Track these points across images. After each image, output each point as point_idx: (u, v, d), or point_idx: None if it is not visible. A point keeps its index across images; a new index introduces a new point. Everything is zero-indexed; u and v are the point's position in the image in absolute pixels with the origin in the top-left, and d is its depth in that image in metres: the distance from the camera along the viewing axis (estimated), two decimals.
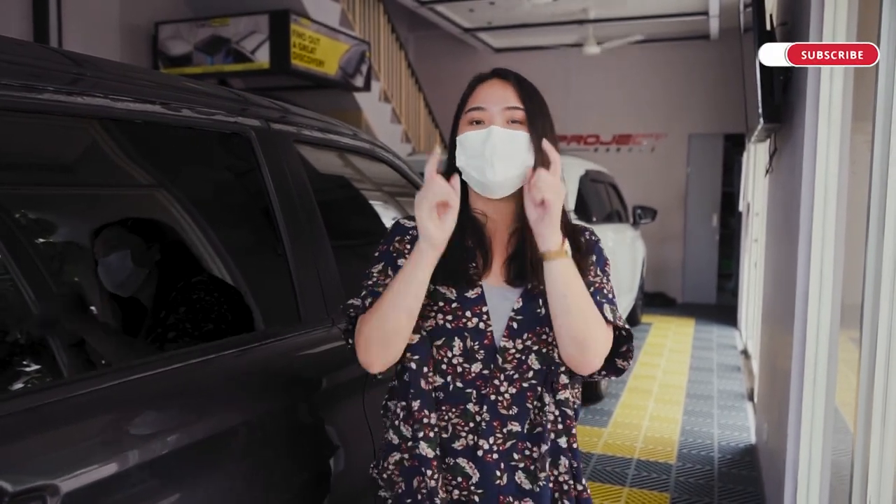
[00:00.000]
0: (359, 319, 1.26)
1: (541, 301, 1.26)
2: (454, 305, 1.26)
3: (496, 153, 1.22)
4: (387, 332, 1.21)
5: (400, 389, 1.31)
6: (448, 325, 1.26)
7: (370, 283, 1.30)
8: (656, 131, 9.47)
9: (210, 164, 1.84)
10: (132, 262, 1.64)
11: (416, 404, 1.25)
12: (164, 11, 6.51)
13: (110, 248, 1.61)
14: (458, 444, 1.25)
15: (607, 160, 8.94)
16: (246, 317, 1.69)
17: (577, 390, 1.32)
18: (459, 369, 1.25)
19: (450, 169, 1.30)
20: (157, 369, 1.26)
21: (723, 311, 8.51)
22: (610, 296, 1.32)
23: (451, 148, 1.31)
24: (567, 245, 1.23)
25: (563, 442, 1.27)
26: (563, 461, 1.27)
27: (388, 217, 2.45)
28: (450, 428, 1.25)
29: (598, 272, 1.32)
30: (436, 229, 1.18)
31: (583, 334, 1.22)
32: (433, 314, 1.26)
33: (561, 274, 1.21)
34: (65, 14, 5.46)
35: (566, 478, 1.28)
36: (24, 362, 1.25)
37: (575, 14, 8.09)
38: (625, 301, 6.29)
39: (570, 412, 1.28)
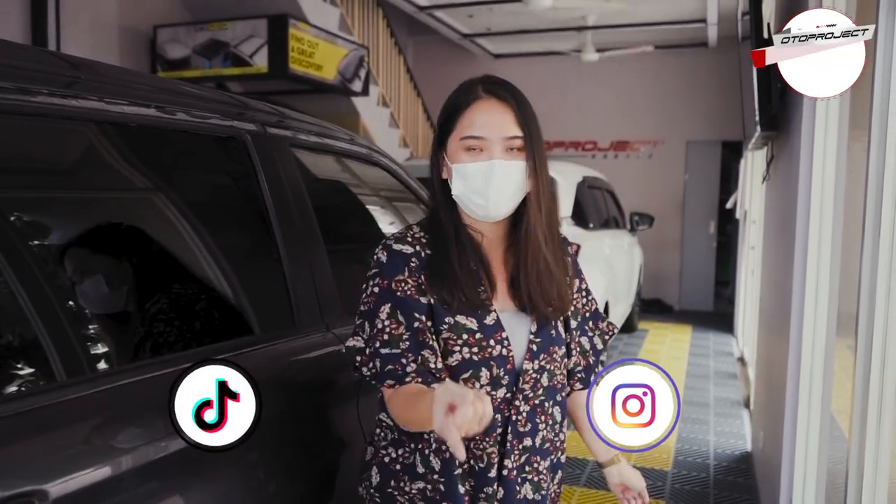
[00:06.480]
0: (388, 393, 1.25)
1: (553, 323, 1.31)
2: (478, 336, 1.24)
3: (501, 188, 1.22)
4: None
5: None
6: (475, 358, 1.23)
7: (378, 330, 1.23)
8: (654, 138, 9.49)
9: (205, 168, 1.83)
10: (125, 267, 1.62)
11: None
12: (163, 15, 6.52)
13: (102, 252, 1.60)
14: (493, 473, 1.25)
15: (605, 166, 8.93)
16: (239, 321, 1.68)
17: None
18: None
19: (437, 183, 1.29)
20: (150, 373, 1.26)
21: (719, 318, 8.51)
22: (602, 325, 1.42)
23: (433, 162, 1.30)
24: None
25: (561, 456, 1.35)
26: (559, 473, 1.36)
27: (384, 222, 2.44)
28: (485, 458, 1.25)
29: (589, 298, 1.41)
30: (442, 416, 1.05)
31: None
32: (458, 348, 1.23)
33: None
34: (63, 17, 5.46)
35: (555, 488, 1.36)
36: (17, 365, 1.25)
37: (574, 21, 8.10)
38: (621, 308, 6.28)
39: (560, 418, 1.36)
